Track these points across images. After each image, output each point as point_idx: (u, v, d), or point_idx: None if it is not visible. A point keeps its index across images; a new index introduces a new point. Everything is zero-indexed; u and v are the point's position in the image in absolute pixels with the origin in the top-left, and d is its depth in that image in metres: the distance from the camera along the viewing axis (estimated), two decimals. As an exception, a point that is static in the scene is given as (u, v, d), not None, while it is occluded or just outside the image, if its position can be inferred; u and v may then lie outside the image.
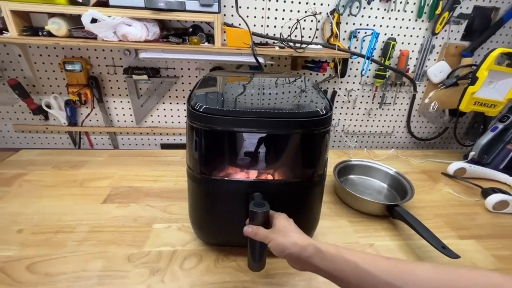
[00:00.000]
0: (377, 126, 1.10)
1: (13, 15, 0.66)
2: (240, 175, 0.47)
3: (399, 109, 1.07)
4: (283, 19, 0.87)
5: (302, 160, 0.48)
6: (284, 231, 0.39)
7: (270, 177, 0.47)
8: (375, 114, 1.07)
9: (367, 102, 1.04)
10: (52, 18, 0.69)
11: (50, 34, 0.70)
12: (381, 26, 0.91)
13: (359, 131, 1.10)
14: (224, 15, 0.84)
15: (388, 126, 1.11)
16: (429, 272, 0.26)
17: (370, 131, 1.11)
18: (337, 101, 1.03)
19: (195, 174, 0.48)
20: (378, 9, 0.89)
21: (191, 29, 0.81)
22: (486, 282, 0.23)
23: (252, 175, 0.47)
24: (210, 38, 0.79)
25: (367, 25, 0.90)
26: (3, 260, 0.52)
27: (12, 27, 0.67)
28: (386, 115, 1.08)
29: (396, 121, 1.10)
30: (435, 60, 0.99)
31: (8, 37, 0.67)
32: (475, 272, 0.25)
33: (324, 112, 0.45)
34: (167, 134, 1.02)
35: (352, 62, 0.96)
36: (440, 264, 0.28)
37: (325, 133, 0.46)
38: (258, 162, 0.46)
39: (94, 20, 0.67)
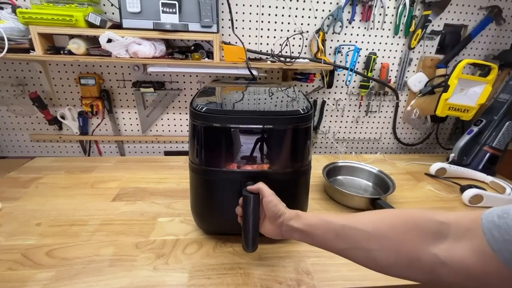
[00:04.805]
0: (365, 132, 1.18)
1: (39, 37, 0.77)
2: (234, 166, 0.54)
3: (385, 117, 1.16)
4: (274, 37, 0.98)
5: (289, 152, 0.55)
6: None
7: (260, 167, 0.55)
8: (362, 122, 1.16)
9: (354, 111, 1.13)
10: (73, 39, 0.80)
11: (70, 53, 0.81)
12: (362, 42, 1.02)
13: (348, 137, 1.18)
14: (222, 34, 0.95)
15: (376, 133, 1.19)
16: (369, 214, 0.38)
17: (359, 137, 1.19)
18: (326, 110, 1.12)
19: (196, 166, 0.56)
20: (359, 27, 1.00)
21: (193, 47, 0.92)
22: (403, 212, 0.35)
23: (245, 166, 0.55)
24: (209, 54, 0.90)
25: (350, 41, 1.01)
26: (25, 247, 0.58)
27: (38, 47, 0.77)
28: (373, 122, 1.16)
29: (382, 127, 1.18)
30: (413, 71, 1.09)
31: (34, 55, 0.77)
32: (400, 209, 0.38)
33: (306, 111, 0.53)
34: (170, 142, 1.10)
35: (338, 74, 1.06)
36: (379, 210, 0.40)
37: (307, 129, 0.54)
38: (249, 154, 0.53)
39: (109, 40, 0.77)
